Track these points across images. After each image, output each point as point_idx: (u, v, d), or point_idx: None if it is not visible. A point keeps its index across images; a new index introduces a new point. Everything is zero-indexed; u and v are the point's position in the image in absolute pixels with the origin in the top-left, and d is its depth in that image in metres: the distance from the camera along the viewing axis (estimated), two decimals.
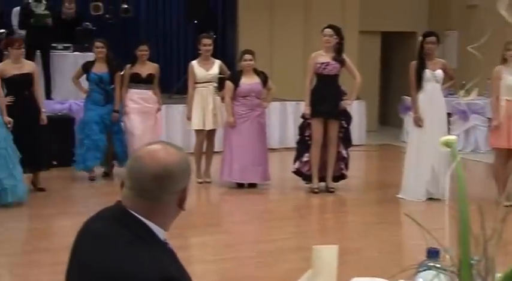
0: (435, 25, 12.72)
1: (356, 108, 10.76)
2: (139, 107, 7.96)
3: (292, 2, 11.74)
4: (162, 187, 1.82)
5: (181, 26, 12.28)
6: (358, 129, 11.02)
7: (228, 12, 11.90)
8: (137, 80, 7.96)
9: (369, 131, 11.83)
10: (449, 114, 10.20)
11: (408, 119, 10.91)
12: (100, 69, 7.91)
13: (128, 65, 8.09)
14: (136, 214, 1.82)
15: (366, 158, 10.66)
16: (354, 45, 11.87)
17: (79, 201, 7.37)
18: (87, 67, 8.02)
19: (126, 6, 12.02)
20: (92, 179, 8.10)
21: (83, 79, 8.19)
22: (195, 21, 11.43)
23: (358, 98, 10.52)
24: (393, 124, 13.07)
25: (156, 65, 8.14)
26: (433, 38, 7.01)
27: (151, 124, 8.03)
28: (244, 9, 11.59)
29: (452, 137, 1.74)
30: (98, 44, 7.98)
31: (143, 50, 7.96)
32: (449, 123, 10.15)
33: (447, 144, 1.75)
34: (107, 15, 11.88)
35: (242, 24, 11.57)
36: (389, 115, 13.56)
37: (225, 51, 11.67)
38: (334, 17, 11.59)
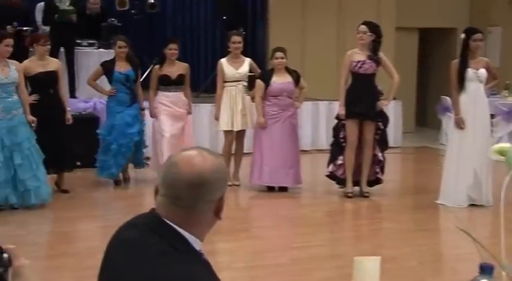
0: (477, 21, 12.55)
1: (392, 109, 10.66)
2: (170, 111, 7.80)
3: None
4: (198, 195, 1.80)
5: (209, 22, 12.31)
6: (394, 131, 10.92)
7: (258, 7, 11.88)
8: (167, 82, 7.79)
9: (405, 132, 11.73)
10: (492, 116, 10.08)
11: (447, 120, 10.80)
12: (124, 67, 7.70)
13: (156, 66, 7.93)
14: (171, 223, 1.80)
15: (402, 161, 10.56)
16: (391, 43, 11.76)
17: (103, 204, 7.43)
18: (108, 67, 7.77)
19: (152, 1, 12.10)
20: (117, 183, 7.99)
21: (101, 81, 8.03)
22: (224, 17, 11.44)
23: (394, 98, 10.43)
24: (431, 125, 12.95)
25: (186, 65, 7.96)
26: (479, 35, 6.90)
27: (182, 128, 7.86)
28: (275, 5, 11.56)
29: (506, 145, 1.69)
30: (121, 43, 7.76)
31: (173, 49, 7.76)
32: (491, 125, 10.04)
33: (501, 152, 1.70)
34: (133, 11, 11.98)
35: (273, 20, 11.55)
36: (427, 116, 13.43)
37: (255, 49, 11.66)
38: (369, 12, 11.54)
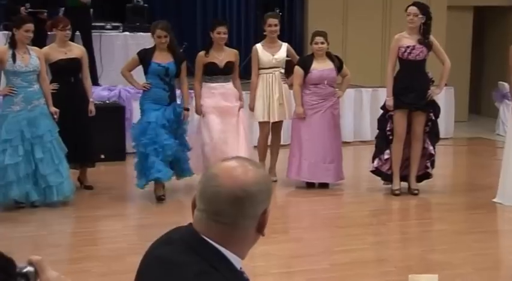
0: None
1: (443, 96, 10.54)
2: (218, 106, 7.29)
3: None
4: (240, 211, 1.80)
5: (243, 2, 12.29)
6: (445, 121, 10.80)
7: None
8: (214, 71, 7.33)
9: (457, 121, 11.60)
10: None
11: (505, 108, 10.67)
12: (164, 58, 7.01)
13: (201, 53, 7.44)
14: (210, 241, 1.81)
15: (454, 153, 10.46)
16: (442, 23, 11.64)
17: (130, 201, 7.49)
18: (145, 56, 7.09)
19: None
20: (160, 199, 7.08)
21: (136, 72, 7.40)
22: None
23: (446, 84, 10.33)
24: (486, 114, 12.78)
25: (235, 51, 7.55)
26: None
27: (234, 126, 7.31)
28: None
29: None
30: (160, 32, 6.97)
31: (222, 33, 7.29)
32: None
33: None
34: None
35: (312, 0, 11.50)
36: (481, 103, 13.26)
37: (293, 32, 11.63)
38: None
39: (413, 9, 7.16)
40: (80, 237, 6.09)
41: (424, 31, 7.18)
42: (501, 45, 11.63)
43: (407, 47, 7.15)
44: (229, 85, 7.40)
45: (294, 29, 11.67)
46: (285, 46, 7.95)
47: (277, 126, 7.99)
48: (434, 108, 7.36)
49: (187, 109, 7.21)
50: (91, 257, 5.49)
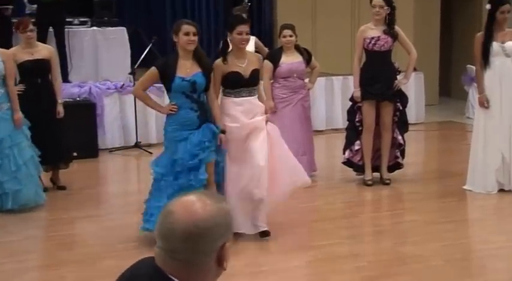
0: None
1: (413, 82, 10.62)
2: (243, 125, 5.65)
3: None
4: (194, 247, 1.78)
5: None
6: (415, 106, 10.91)
7: None
8: (237, 83, 5.67)
9: (428, 105, 11.68)
10: None
11: (474, 92, 10.73)
12: (189, 69, 5.40)
13: (217, 60, 5.73)
14: (173, 277, 1.81)
15: (425, 139, 10.53)
16: (410, 9, 11.69)
17: (104, 202, 7.45)
18: (166, 69, 5.42)
19: None
20: None
21: (155, 91, 6.27)
22: None
23: (415, 70, 10.39)
24: (456, 96, 12.88)
25: (257, 55, 6.19)
26: (507, 6, 6.80)
27: (261, 144, 5.65)
28: None
29: None
30: (189, 28, 5.36)
31: (243, 33, 5.62)
32: None
33: None
34: None
35: None
36: (451, 87, 13.35)
37: (262, 24, 11.59)
38: None
39: (379, 1, 7.16)
40: (54, 241, 6.01)
41: (390, 22, 7.20)
42: (469, 30, 11.71)
43: (373, 38, 7.16)
44: (255, 99, 5.76)
45: (263, 20, 11.63)
46: (253, 39, 7.92)
47: None
48: (402, 98, 7.40)
49: (223, 132, 5.56)
50: (66, 263, 5.43)
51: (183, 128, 5.43)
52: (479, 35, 6.92)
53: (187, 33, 5.30)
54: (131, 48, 10.25)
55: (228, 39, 5.70)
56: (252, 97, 5.72)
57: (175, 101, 5.46)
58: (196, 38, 5.35)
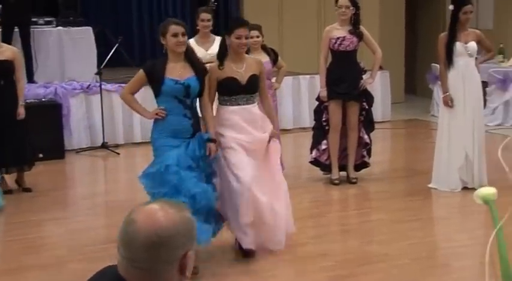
0: None
1: (379, 80, 10.69)
2: (243, 139, 5.19)
3: None
4: (155, 256, 1.78)
5: None
6: (382, 104, 10.99)
7: None
8: (234, 90, 5.25)
9: (394, 103, 11.76)
10: (485, 84, 10.14)
11: (438, 90, 10.83)
12: (181, 72, 4.98)
13: (213, 64, 5.37)
14: None
15: (391, 137, 10.61)
16: (375, 8, 11.76)
17: (71, 203, 7.38)
18: (153, 71, 5.01)
19: None
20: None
21: (144, 95, 5.80)
22: None
23: (381, 68, 10.46)
24: (422, 94, 12.99)
25: (257, 60, 5.65)
26: (470, 7, 6.88)
27: (267, 167, 5.28)
28: None
29: (490, 191, 1.66)
30: (176, 28, 4.97)
31: (243, 37, 5.24)
32: (486, 94, 10.09)
33: (484, 200, 1.68)
34: None
35: None
36: (417, 84, 13.46)
37: (228, 21, 11.55)
38: None
39: (345, 1, 7.20)
40: (19, 245, 5.94)
41: (355, 22, 7.24)
42: (433, 28, 11.84)
43: (338, 38, 7.20)
44: (254, 108, 5.33)
45: (230, 19, 11.59)
46: (218, 40, 7.86)
47: None
48: (368, 97, 7.45)
49: (214, 141, 5.06)
50: (31, 267, 5.37)
51: (174, 135, 4.94)
52: (443, 35, 6.99)
53: (175, 35, 4.92)
54: (97, 48, 10.16)
55: (227, 43, 5.31)
56: (251, 105, 5.28)
57: (164, 106, 4.96)
58: (185, 39, 5.01)
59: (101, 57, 9.78)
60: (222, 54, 5.30)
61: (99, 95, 9.40)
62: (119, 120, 9.67)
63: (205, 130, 5.17)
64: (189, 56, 5.05)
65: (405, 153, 9.71)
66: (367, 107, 7.43)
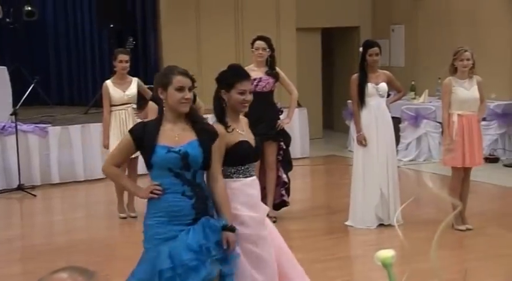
0: (380, 19, 12.95)
1: (297, 117, 10.85)
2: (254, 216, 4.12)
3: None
4: None
5: (96, 31, 12.06)
6: (300, 141, 11.14)
7: (148, 13, 11.75)
8: (249, 157, 4.21)
9: (313, 138, 11.95)
10: (399, 120, 10.44)
11: (354, 126, 11.10)
12: (177, 136, 3.81)
13: (219, 126, 4.09)
14: None
15: (310, 174, 10.74)
16: (292, 45, 11.97)
17: None
18: (143, 135, 3.82)
19: (29, 8, 11.78)
20: None
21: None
22: (111, 25, 11.28)
23: (299, 105, 10.64)
24: (339, 129, 13.22)
25: (245, 119, 4.54)
26: (376, 49, 7.10)
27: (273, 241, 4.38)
28: (166, 9, 11.47)
29: (388, 255, 1.73)
30: (182, 80, 3.83)
31: (247, 92, 4.27)
32: (398, 130, 10.38)
33: (383, 263, 1.74)
34: (8, 19, 11.61)
35: (164, 26, 11.45)
36: (334, 119, 13.70)
37: (148, 61, 11.56)
38: (268, 14, 11.67)
39: (261, 44, 7.33)
40: None
41: (271, 63, 7.37)
42: (348, 64, 12.14)
43: (255, 79, 7.27)
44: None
45: (149, 58, 11.60)
46: (135, 82, 7.88)
47: (133, 162, 7.84)
48: (285, 137, 7.54)
49: (232, 229, 3.84)
50: None
51: (171, 218, 3.75)
52: (355, 77, 7.18)
53: (181, 89, 3.77)
54: (13, 86, 9.96)
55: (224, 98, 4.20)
56: (255, 176, 4.25)
57: (159, 181, 3.80)
58: (191, 95, 3.83)
59: (16, 96, 9.58)
60: (221, 113, 4.18)
61: (15, 135, 9.19)
62: (36, 160, 9.48)
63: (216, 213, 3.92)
64: (192, 115, 3.87)
65: (324, 190, 9.84)
66: (284, 146, 7.52)
